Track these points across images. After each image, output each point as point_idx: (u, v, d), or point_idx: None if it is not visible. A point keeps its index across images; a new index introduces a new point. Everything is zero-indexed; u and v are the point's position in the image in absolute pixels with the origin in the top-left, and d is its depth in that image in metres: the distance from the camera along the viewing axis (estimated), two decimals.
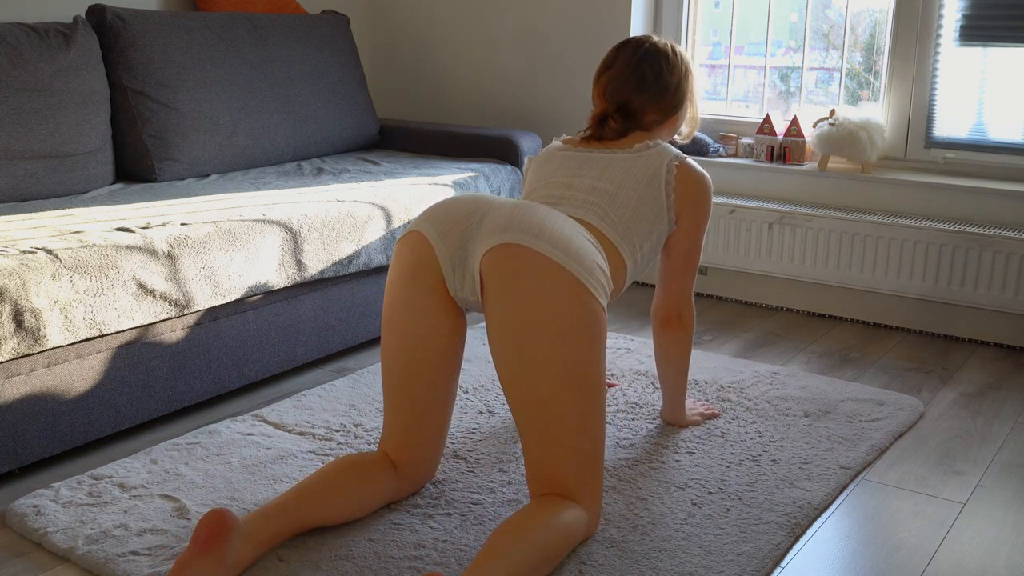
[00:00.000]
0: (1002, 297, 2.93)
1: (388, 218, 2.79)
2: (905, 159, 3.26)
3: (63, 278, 2.02)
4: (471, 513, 1.93)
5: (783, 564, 1.80)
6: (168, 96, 2.96)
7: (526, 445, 1.78)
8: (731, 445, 2.25)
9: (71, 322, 2.04)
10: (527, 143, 3.47)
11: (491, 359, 2.77)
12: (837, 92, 3.40)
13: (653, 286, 3.64)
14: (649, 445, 2.24)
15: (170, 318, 2.28)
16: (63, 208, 2.54)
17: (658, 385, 2.59)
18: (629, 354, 2.85)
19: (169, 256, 2.22)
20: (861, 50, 3.38)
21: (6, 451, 2.01)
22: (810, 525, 1.93)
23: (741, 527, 1.89)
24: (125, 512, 1.91)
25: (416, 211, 2.88)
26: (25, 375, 2.01)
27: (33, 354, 2.01)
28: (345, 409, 2.42)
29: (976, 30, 3.06)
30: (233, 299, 2.40)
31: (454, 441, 2.25)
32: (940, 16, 3.11)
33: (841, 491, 2.07)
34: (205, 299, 2.31)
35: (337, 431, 2.29)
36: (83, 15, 2.96)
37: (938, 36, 3.12)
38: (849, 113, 3.19)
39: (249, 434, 2.26)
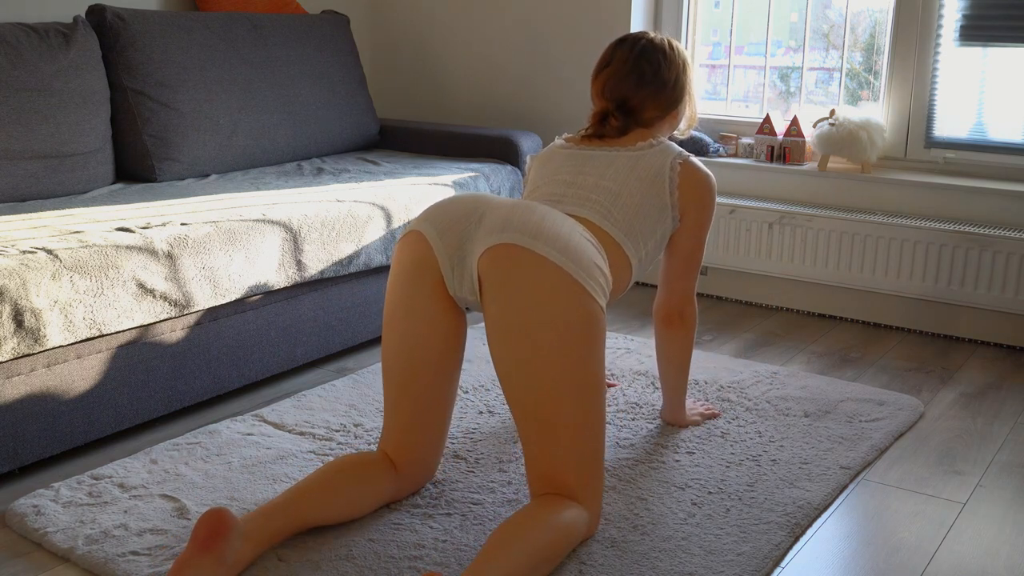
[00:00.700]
0: (1002, 297, 2.93)
1: (388, 218, 2.79)
2: (905, 159, 3.26)
3: (63, 278, 2.02)
4: (471, 513, 1.93)
5: (783, 564, 1.80)
6: (168, 96, 2.96)
7: (525, 445, 1.78)
8: (731, 445, 2.25)
9: (71, 322, 2.04)
10: (527, 143, 3.47)
11: (490, 359, 2.77)
12: (837, 92, 3.40)
13: (653, 286, 3.64)
14: (649, 445, 2.24)
15: (170, 318, 2.28)
16: (63, 208, 2.54)
17: (658, 385, 2.59)
18: (629, 354, 2.85)
19: (169, 256, 2.22)
20: (861, 50, 3.38)
21: (6, 451, 2.01)
22: (810, 525, 1.93)
23: (741, 527, 1.89)
24: (125, 512, 1.91)
25: (416, 211, 2.88)
26: (25, 375, 2.01)
27: (33, 354, 2.01)
28: (345, 409, 2.42)
29: (976, 30, 3.06)
30: (233, 299, 2.40)
31: (454, 441, 2.25)
32: (940, 16, 3.11)
33: (841, 491, 2.07)
34: (205, 299, 2.31)
35: (337, 431, 2.29)
36: (83, 15, 2.96)
37: (938, 36, 3.12)
38: (849, 113, 3.19)
39: (249, 434, 2.26)
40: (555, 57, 3.72)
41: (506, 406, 2.44)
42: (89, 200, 2.66)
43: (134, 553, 1.76)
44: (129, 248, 2.16)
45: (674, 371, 2.27)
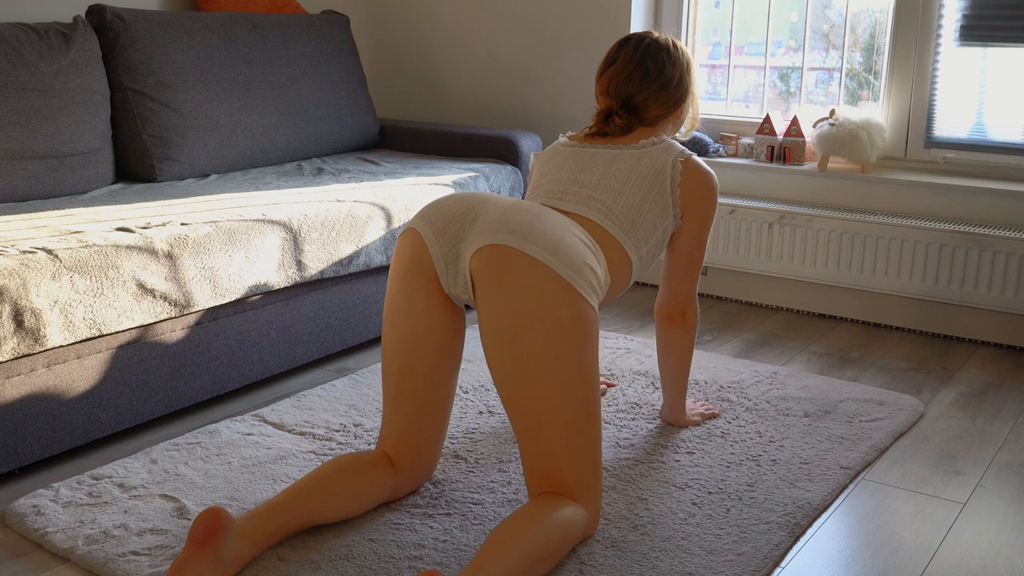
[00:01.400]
0: (1002, 297, 2.93)
1: (388, 218, 2.79)
2: (905, 159, 3.26)
3: (63, 278, 2.02)
4: (471, 513, 1.93)
5: (783, 564, 1.80)
6: (168, 96, 2.96)
7: (521, 444, 1.79)
8: (731, 445, 2.25)
9: (71, 322, 2.04)
10: (527, 143, 3.47)
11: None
12: (837, 92, 3.40)
13: (654, 286, 3.64)
14: (649, 445, 2.24)
15: (170, 318, 2.28)
16: (63, 208, 2.54)
17: (658, 385, 2.59)
18: (629, 354, 2.85)
19: (169, 256, 2.22)
20: (861, 50, 3.38)
21: (6, 451, 2.01)
22: (810, 525, 1.93)
23: (741, 527, 1.89)
24: (125, 512, 1.91)
25: (416, 211, 2.88)
26: (25, 375, 2.01)
27: (33, 354, 2.01)
28: (345, 409, 2.42)
29: (976, 30, 3.06)
30: (233, 299, 2.40)
31: (454, 441, 2.25)
32: (940, 16, 3.11)
33: (841, 491, 2.07)
34: (205, 299, 2.31)
35: (337, 431, 2.29)
36: (83, 15, 2.96)
37: (938, 36, 3.12)
38: (849, 113, 3.19)
39: (249, 434, 2.26)
40: (555, 57, 3.72)
41: None
42: (89, 200, 2.66)
43: (134, 553, 1.76)
44: (129, 248, 2.16)
45: (675, 371, 2.27)
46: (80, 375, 2.12)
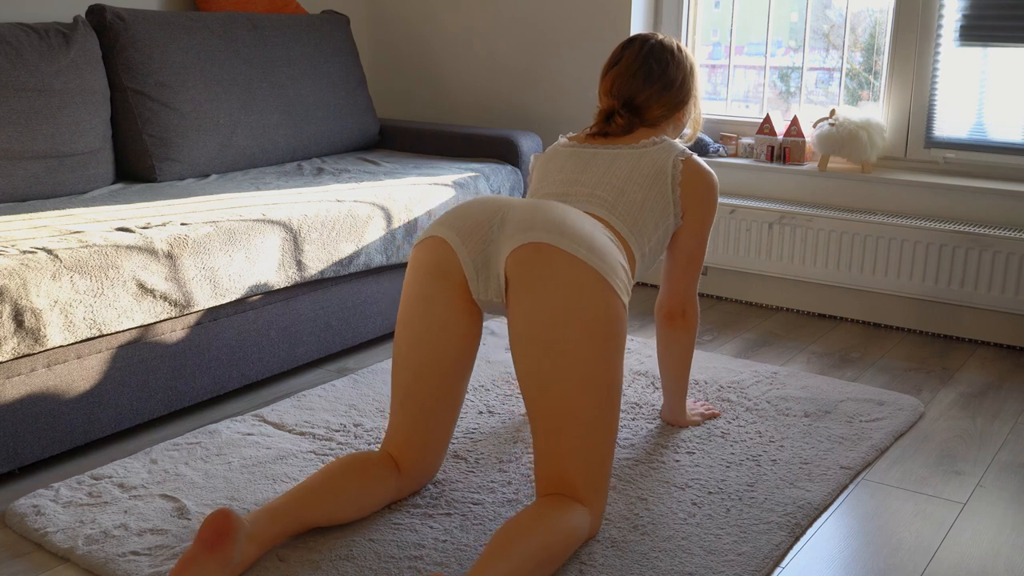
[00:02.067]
0: (1002, 297, 2.93)
1: (388, 218, 2.79)
2: (905, 159, 3.26)
3: (63, 278, 2.02)
4: (471, 513, 1.93)
5: (783, 564, 1.80)
6: (168, 96, 2.96)
7: (538, 443, 1.78)
8: (731, 445, 2.25)
9: (71, 322, 2.04)
10: (527, 143, 3.47)
11: (490, 359, 2.77)
12: (837, 92, 3.40)
13: (654, 286, 3.64)
14: (649, 445, 2.24)
15: (170, 318, 2.28)
16: (63, 208, 2.54)
17: (658, 385, 2.59)
18: (629, 354, 2.85)
19: (169, 256, 2.22)
20: (861, 50, 3.38)
21: (6, 451, 2.01)
22: (810, 525, 1.93)
23: (741, 527, 1.89)
24: (125, 512, 1.91)
25: (416, 211, 2.88)
26: (25, 375, 2.01)
27: (33, 354, 2.01)
28: (345, 409, 2.42)
29: (976, 30, 3.06)
30: (233, 299, 2.40)
31: (454, 441, 2.25)
32: (940, 16, 3.11)
33: (841, 491, 2.07)
34: (205, 299, 2.31)
35: (337, 431, 2.29)
36: (83, 15, 2.96)
37: (938, 36, 3.12)
38: (849, 113, 3.19)
39: (249, 434, 2.26)
40: (555, 57, 3.73)
41: (506, 406, 2.44)
42: (89, 200, 2.66)
43: (134, 553, 1.76)
44: (129, 248, 2.16)
45: (675, 371, 2.27)
46: (80, 375, 2.12)
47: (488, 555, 1.58)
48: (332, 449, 2.20)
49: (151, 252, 2.19)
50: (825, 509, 2.00)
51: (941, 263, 3.00)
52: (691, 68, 2.19)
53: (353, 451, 2.08)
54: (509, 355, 2.79)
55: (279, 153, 3.30)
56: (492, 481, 2.06)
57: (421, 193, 2.93)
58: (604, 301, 1.74)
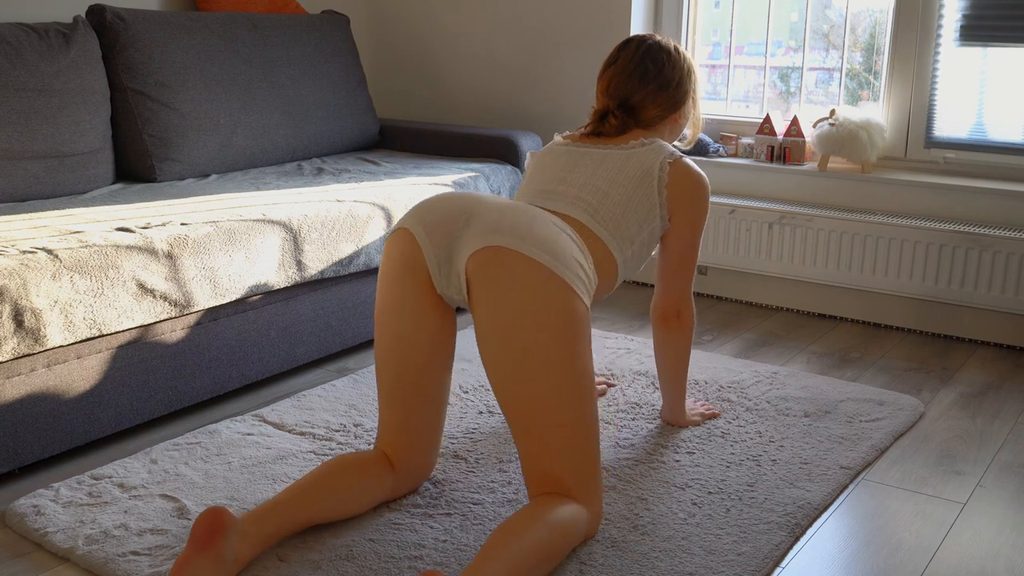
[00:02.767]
0: (1002, 297, 2.93)
1: (388, 218, 2.79)
2: (905, 159, 3.26)
3: (63, 278, 2.02)
4: (471, 513, 1.93)
5: (783, 564, 1.80)
6: (168, 96, 2.96)
7: (519, 445, 1.79)
8: (731, 445, 2.25)
9: (71, 322, 2.04)
10: (527, 143, 3.47)
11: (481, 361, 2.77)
12: (837, 92, 3.40)
13: (652, 285, 3.64)
14: (649, 445, 2.24)
15: (170, 318, 2.28)
16: (63, 208, 2.54)
17: (658, 385, 2.59)
18: (629, 354, 2.85)
19: (169, 256, 2.22)
20: (861, 50, 3.38)
21: (6, 451, 2.01)
22: (810, 525, 1.93)
23: (741, 527, 1.89)
24: (125, 512, 1.91)
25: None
26: (25, 375, 2.01)
27: (33, 354, 2.01)
28: (345, 409, 2.42)
29: (976, 30, 3.06)
30: (233, 299, 2.40)
31: (454, 441, 2.25)
32: (940, 16, 3.11)
33: (841, 491, 2.07)
34: (205, 299, 2.31)
35: (337, 431, 2.29)
36: (83, 15, 2.96)
37: (938, 36, 3.12)
38: (849, 113, 3.19)
39: (249, 434, 2.26)
40: (555, 57, 3.73)
41: None
42: (89, 200, 2.66)
43: (134, 553, 1.76)
44: (129, 248, 2.16)
45: (673, 371, 2.27)
46: (80, 375, 2.12)
47: (483, 555, 1.58)
48: (332, 449, 2.20)
49: (151, 252, 2.19)
50: (825, 509, 1.99)
51: (941, 263, 3.00)
52: (689, 69, 2.19)
53: (351, 451, 2.09)
54: None
55: (279, 153, 3.30)
56: (492, 481, 2.06)
57: (421, 193, 2.93)
58: (564, 303, 1.74)
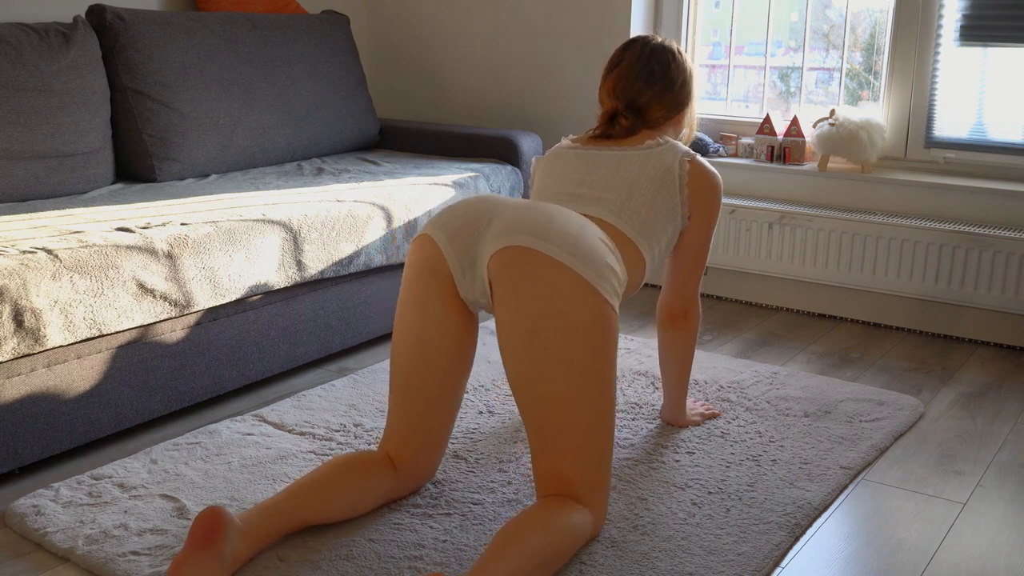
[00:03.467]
0: (1002, 297, 2.93)
1: (388, 218, 2.79)
2: (905, 159, 3.26)
3: (63, 278, 2.02)
4: (471, 513, 1.93)
5: (783, 564, 1.80)
6: (168, 96, 2.96)
7: (534, 446, 1.78)
8: (731, 445, 2.25)
9: (71, 322, 2.04)
10: (527, 143, 3.47)
11: (490, 359, 2.77)
12: (837, 92, 3.40)
13: (654, 286, 3.64)
14: (649, 445, 2.24)
15: (170, 318, 2.28)
16: (63, 208, 2.54)
17: (658, 385, 2.59)
18: (629, 354, 2.85)
19: (169, 256, 2.22)
20: (861, 50, 3.38)
21: (6, 451, 2.01)
22: (810, 525, 1.93)
23: (741, 527, 1.89)
24: (125, 512, 1.91)
25: (416, 211, 2.88)
26: (25, 375, 2.01)
27: (33, 354, 2.01)
28: (345, 409, 2.42)
29: (976, 30, 3.06)
30: (233, 299, 2.40)
31: (454, 441, 2.25)
32: (940, 16, 3.11)
33: (841, 491, 2.07)
34: (205, 299, 2.31)
35: (337, 431, 2.29)
36: (83, 15, 2.96)
37: (938, 36, 3.12)
38: (849, 113, 3.19)
39: (249, 434, 2.26)
40: (555, 57, 3.72)
41: (506, 406, 2.44)
42: (89, 200, 2.66)
43: (134, 553, 1.76)
44: (129, 248, 2.16)
45: (676, 371, 2.27)
46: (80, 375, 2.12)
47: (487, 556, 1.58)
48: (332, 449, 2.20)
49: (151, 252, 2.19)
50: (825, 509, 1.99)
51: (941, 263, 3.00)
52: (690, 72, 2.20)
53: (352, 451, 2.08)
54: None
55: (279, 153, 3.30)
56: (492, 481, 2.06)
57: (421, 193, 2.93)
58: (587, 305, 1.74)
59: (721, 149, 3.51)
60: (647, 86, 2.13)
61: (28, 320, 1.96)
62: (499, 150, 3.44)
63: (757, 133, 3.41)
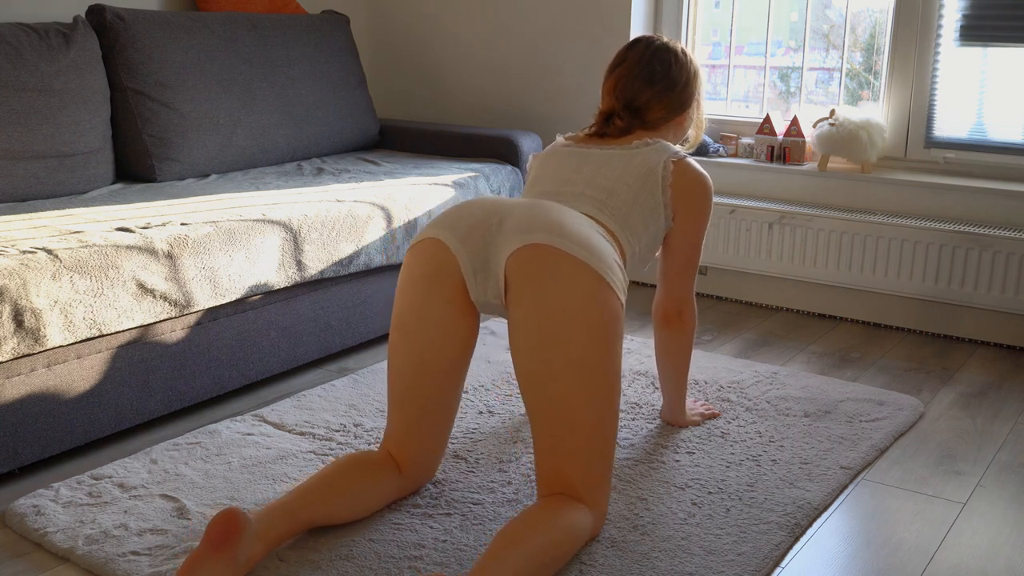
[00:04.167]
0: (1002, 297, 2.93)
1: (388, 218, 2.79)
2: (905, 159, 3.26)
3: (63, 278, 2.02)
4: (471, 513, 1.93)
5: (783, 564, 1.80)
6: (168, 96, 2.96)
7: (540, 445, 1.78)
8: (731, 445, 2.25)
9: (71, 322, 2.04)
10: (527, 143, 3.47)
11: (490, 359, 2.77)
12: (837, 92, 3.40)
13: (653, 286, 3.64)
14: (649, 445, 2.24)
15: (170, 318, 2.28)
16: (63, 208, 2.54)
17: (658, 385, 2.59)
18: (629, 354, 2.85)
19: (169, 256, 2.22)
20: (861, 50, 3.38)
21: (6, 451, 2.01)
22: (810, 525, 1.93)
23: (741, 527, 1.89)
24: (125, 512, 1.91)
25: (416, 211, 2.88)
26: (25, 375, 2.01)
27: (33, 354, 2.01)
28: (345, 409, 2.42)
29: (976, 30, 3.06)
30: (233, 299, 2.40)
31: (454, 441, 2.25)
32: (940, 16, 3.11)
33: (841, 491, 2.07)
34: (205, 299, 2.31)
35: (337, 431, 2.29)
36: (83, 15, 2.96)
37: (938, 36, 3.12)
38: (849, 113, 3.19)
39: (249, 434, 2.26)
40: (555, 57, 3.72)
41: (506, 406, 2.44)
42: (89, 200, 2.66)
43: (134, 553, 1.76)
44: (129, 248, 2.16)
45: (673, 371, 2.27)
46: (80, 375, 2.12)
47: (488, 556, 1.58)
48: (332, 449, 2.20)
49: (151, 252, 2.19)
50: (825, 509, 1.99)
51: (941, 263, 3.00)
52: (694, 73, 2.20)
53: (353, 451, 2.09)
54: (509, 355, 2.79)
55: (279, 153, 3.30)
56: (492, 481, 2.06)
57: (421, 193, 2.93)
58: (604, 301, 1.75)
59: (721, 149, 3.51)
60: (647, 86, 2.13)
61: (28, 320, 1.96)
62: (499, 150, 3.44)
63: (757, 133, 3.41)
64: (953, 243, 2.97)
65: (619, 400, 1.80)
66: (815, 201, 3.30)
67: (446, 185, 3.04)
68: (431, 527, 1.87)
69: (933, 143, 3.21)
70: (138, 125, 2.92)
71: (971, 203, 3.04)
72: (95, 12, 2.92)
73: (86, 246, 2.11)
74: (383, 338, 3.03)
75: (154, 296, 2.19)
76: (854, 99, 3.41)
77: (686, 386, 2.31)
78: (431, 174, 3.14)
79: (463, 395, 2.51)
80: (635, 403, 2.48)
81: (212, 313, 2.39)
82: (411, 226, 2.87)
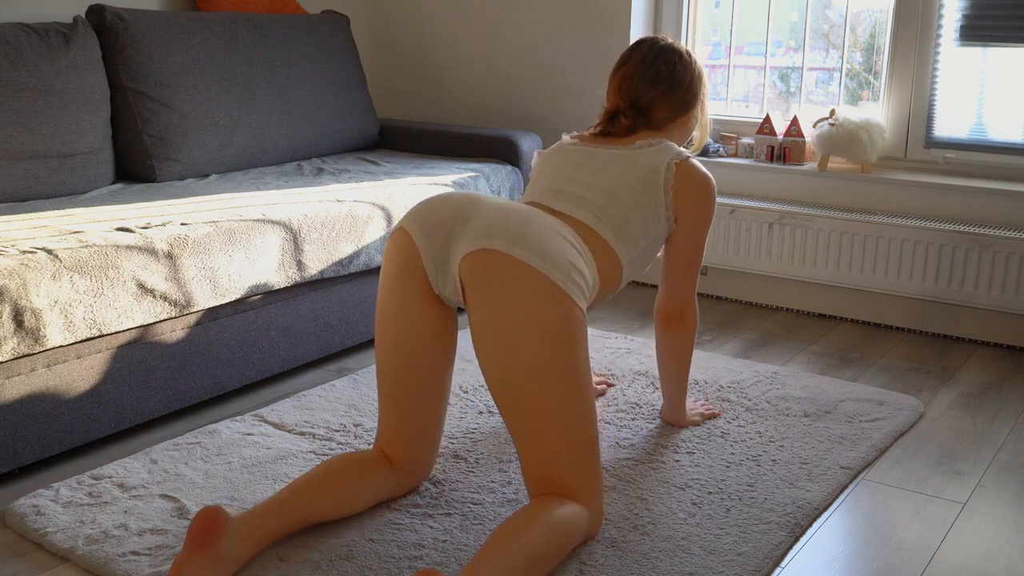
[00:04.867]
0: (1002, 297, 2.93)
1: (388, 218, 2.79)
2: (905, 159, 3.26)
3: (63, 278, 2.02)
4: (471, 513, 1.93)
5: (783, 564, 1.80)
6: (168, 96, 2.96)
7: (519, 448, 1.79)
8: (731, 445, 2.25)
9: (71, 322, 2.04)
10: (527, 143, 3.47)
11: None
12: (837, 92, 3.40)
13: (653, 286, 3.64)
14: (649, 445, 2.24)
15: (170, 318, 2.28)
16: (63, 208, 2.54)
17: (658, 385, 2.59)
18: (629, 354, 2.85)
19: (169, 256, 2.22)
20: (861, 50, 3.38)
21: (6, 451, 2.01)
22: (810, 525, 1.93)
23: (741, 527, 1.89)
24: (125, 512, 1.91)
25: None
26: (25, 375, 2.01)
27: (33, 354, 2.01)
28: (345, 409, 2.42)
29: (976, 30, 3.06)
30: (233, 299, 2.40)
31: (454, 441, 2.25)
32: (940, 16, 3.11)
33: (841, 491, 2.07)
34: (205, 299, 2.31)
35: (337, 431, 2.29)
36: (83, 15, 2.96)
37: (938, 36, 3.12)
38: (849, 113, 3.19)
39: (249, 434, 2.26)
40: (555, 57, 3.73)
41: None
42: (89, 200, 2.66)
43: (134, 553, 1.76)
44: (129, 248, 2.16)
45: (674, 371, 2.27)
46: (80, 375, 2.12)
47: (484, 553, 1.58)
48: (332, 449, 2.20)
49: (151, 252, 2.19)
50: (825, 509, 1.99)
51: (941, 263, 3.00)
52: (699, 73, 2.21)
53: (351, 450, 2.09)
54: None
55: (279, 153, 3.30)
56: (492, 481, 2.06)
57: (421, 193, 2.93)
58: (557, 308, 1.74)
59: (721, 149, 3.51)
60: (651, 85, 2.13)
61: (28, 320, 1.96)
62: (499, 150, 3.44)
63: (757, 133, 3.41)
64: (953, 243, 2.97)
65: (591, 398, 1.79)
66: (815, 201, 3.30)
67: (446, 185, 3.04)
68: (431, 527, 1.87)
69: (933, 143, 3.21)
70: (138, 125, 2.92)
71: (971, 203, 3.04)
72: (95, 12, 2.92)
73: (86, 246, 2.11)
74: None
75: (154, 296, 2.19)
76: (854, 99, 3.41)
77: (687, 386, 2.31)
78: (431, 174, 3.14)
79: (463, 395, 2.51)
80: (635, 403, 2.48)
81: (212, 313, 2.39)
82: None
